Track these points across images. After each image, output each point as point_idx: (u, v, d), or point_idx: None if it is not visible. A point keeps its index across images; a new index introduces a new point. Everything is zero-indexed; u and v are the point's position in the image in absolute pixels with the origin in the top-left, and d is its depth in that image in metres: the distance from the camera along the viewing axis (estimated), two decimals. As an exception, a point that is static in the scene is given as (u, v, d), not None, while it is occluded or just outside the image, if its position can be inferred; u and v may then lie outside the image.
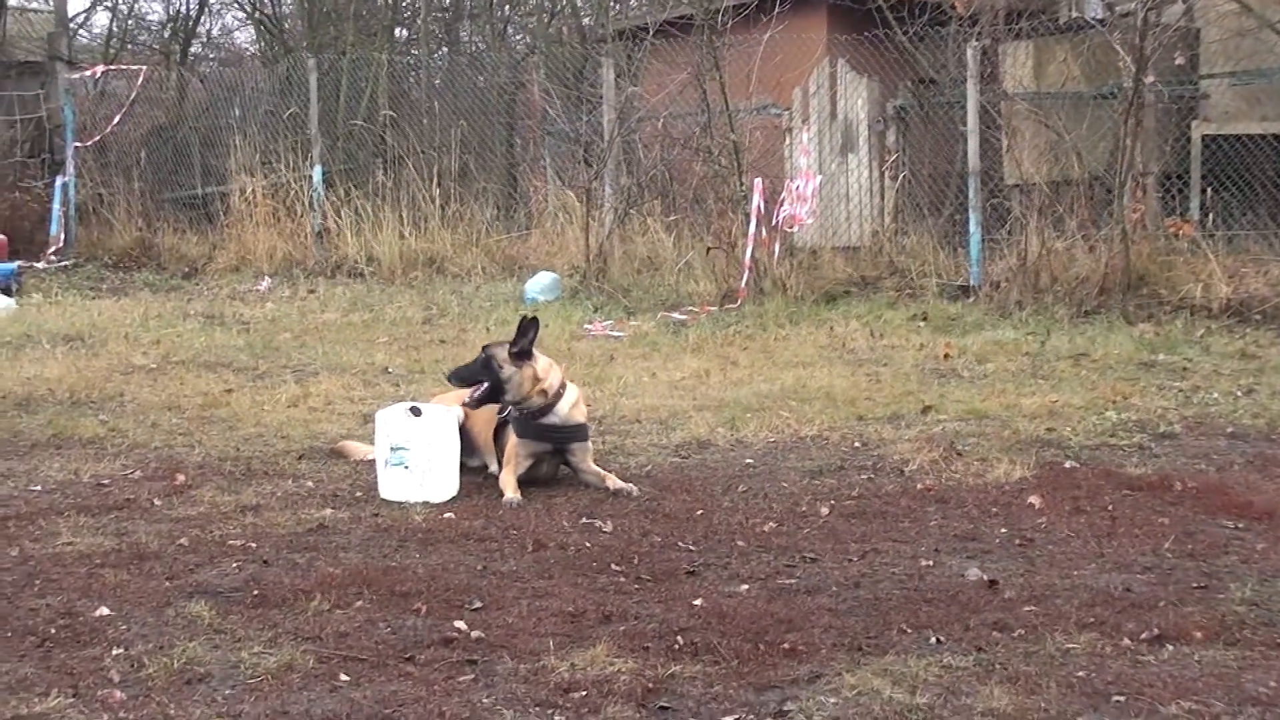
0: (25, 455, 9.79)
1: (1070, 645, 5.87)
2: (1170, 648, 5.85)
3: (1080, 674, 5.55)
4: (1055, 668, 5.63)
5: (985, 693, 5.38)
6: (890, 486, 8.75)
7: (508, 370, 8.80)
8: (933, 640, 5.96)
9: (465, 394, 9.04)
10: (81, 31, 34.11)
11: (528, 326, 8.87)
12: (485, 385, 8.83)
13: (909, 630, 6.10)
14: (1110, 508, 8.10)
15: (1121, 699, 5.32)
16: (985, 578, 6.81)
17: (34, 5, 33.59)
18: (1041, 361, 13.07)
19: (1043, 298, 15.77)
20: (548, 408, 8.87)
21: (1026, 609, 6.35)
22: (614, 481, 8.72)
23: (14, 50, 29.43)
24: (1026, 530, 7.70)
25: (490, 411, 9.07)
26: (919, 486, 8.70)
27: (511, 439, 8.86)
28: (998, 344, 13.97)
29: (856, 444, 9.97)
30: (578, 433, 8.95)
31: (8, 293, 19.20)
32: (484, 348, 9.04)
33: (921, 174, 19.03)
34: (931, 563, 7.16)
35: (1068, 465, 9.16)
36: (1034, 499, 8.25)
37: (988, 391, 11.66)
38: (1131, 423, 10.38)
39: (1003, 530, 7.72)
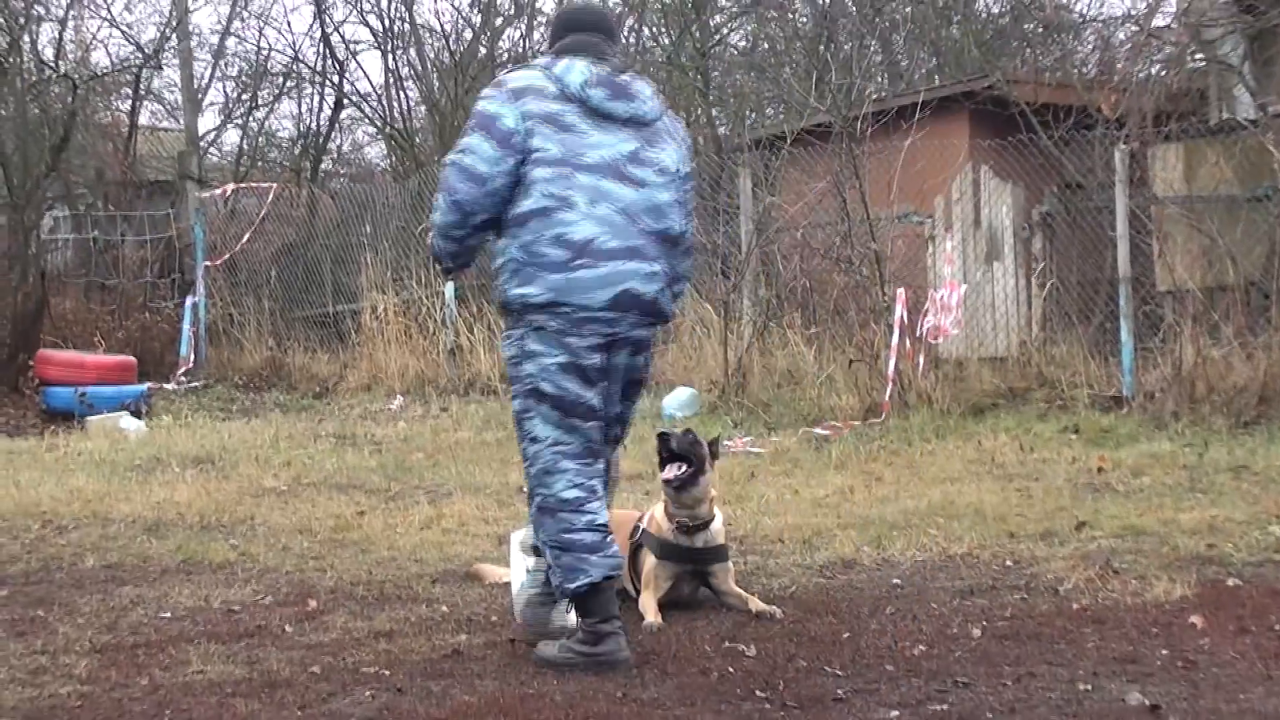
0: (155, 581, 9.69)
1: (1240, 773, 5.55)
2: (1345, 777, 5.51)
3: (1252, 803, 5.23)
4: (1225, 797, 5.32)
5: (1152, 823, 5.07)
6: (1044, 606, 8.44)
7: (708, 464, 8.60)
8: (1095, 770, 5.66)
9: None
10: (211, 150, 34.58)
11: (714, 444, 8.76)
12: (690, 468, 8.52)
13: (1069, 760, 5.80)
14: (1277, 627, 7.74)
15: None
16: (1147, 702, 6.49)
17: (165, 125, 34.17)
18: (1200, 474, 12.66)
19: (1199, 408, 15.35)
20: (706, 524, 8.64)
21: (1193, 736, 6.02)
22: (756, 604, 8.46)
23: (144, 170, 29.95)
24: (1189, 652, 7.36)
25: (625, 532, 8.86)
26: (1075, 606, 8.38)
27: (650, 560, 8.61)
28: (1153, 456, 13.59)
29: (1008, 562, 9.68)
30: (719, 553, 8.70)
31: (137, 415, 19.33)
32: (688, 430, 8.82)
33: (1070, 281, 18.70)
34: (1090, 687, 6.84)
35: (1230, 583, 8.80)
36: (1196, 619, 7.90)
37: (1144, 506, 11.32)
38: (1297, 538, 10.01)
39: (1164, 652, 7.39)
